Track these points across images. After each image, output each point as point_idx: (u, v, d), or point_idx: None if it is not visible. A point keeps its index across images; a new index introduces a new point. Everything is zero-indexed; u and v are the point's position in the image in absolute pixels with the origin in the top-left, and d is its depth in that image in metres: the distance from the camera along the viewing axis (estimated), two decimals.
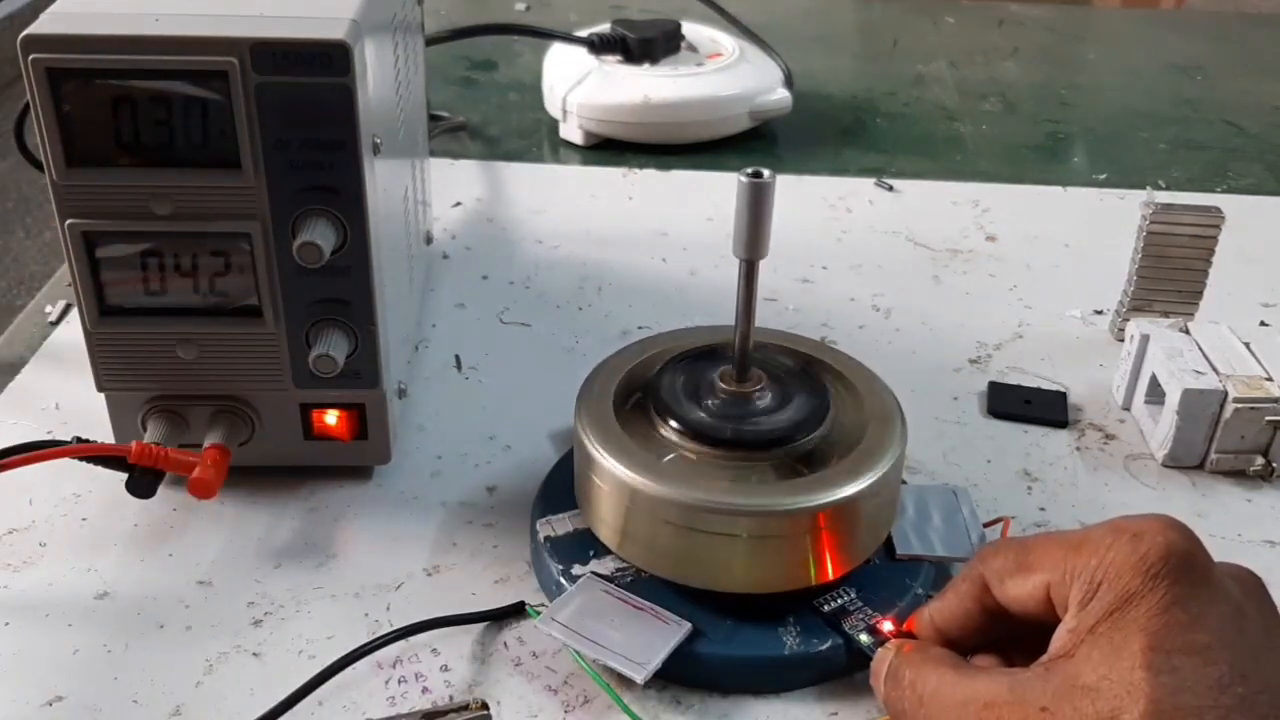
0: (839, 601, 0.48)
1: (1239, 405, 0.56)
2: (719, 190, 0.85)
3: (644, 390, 0.51)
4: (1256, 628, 0.37)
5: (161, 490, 0.50)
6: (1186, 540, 0.38)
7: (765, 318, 0.49)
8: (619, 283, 0.74)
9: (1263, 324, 0.71)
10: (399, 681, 0.46)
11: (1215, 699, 0.34)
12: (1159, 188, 0.87)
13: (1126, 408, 0.63)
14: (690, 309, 0.71)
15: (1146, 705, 0.34)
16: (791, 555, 0.46)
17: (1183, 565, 0.37)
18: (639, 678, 0.44)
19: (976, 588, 0.42)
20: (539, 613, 0.47)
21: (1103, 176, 0.92)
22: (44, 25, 0.45)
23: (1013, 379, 0.65)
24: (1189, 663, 0.35)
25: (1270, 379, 0.57)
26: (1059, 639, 0.38)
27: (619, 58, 0.93)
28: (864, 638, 0.46)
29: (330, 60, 0.46)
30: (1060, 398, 0.64)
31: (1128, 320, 0.65)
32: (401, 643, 0.47)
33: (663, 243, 0.79)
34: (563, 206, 0.83)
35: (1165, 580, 0.36)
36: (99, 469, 0.50)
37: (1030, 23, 1.28)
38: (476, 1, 1.29)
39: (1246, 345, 0.60)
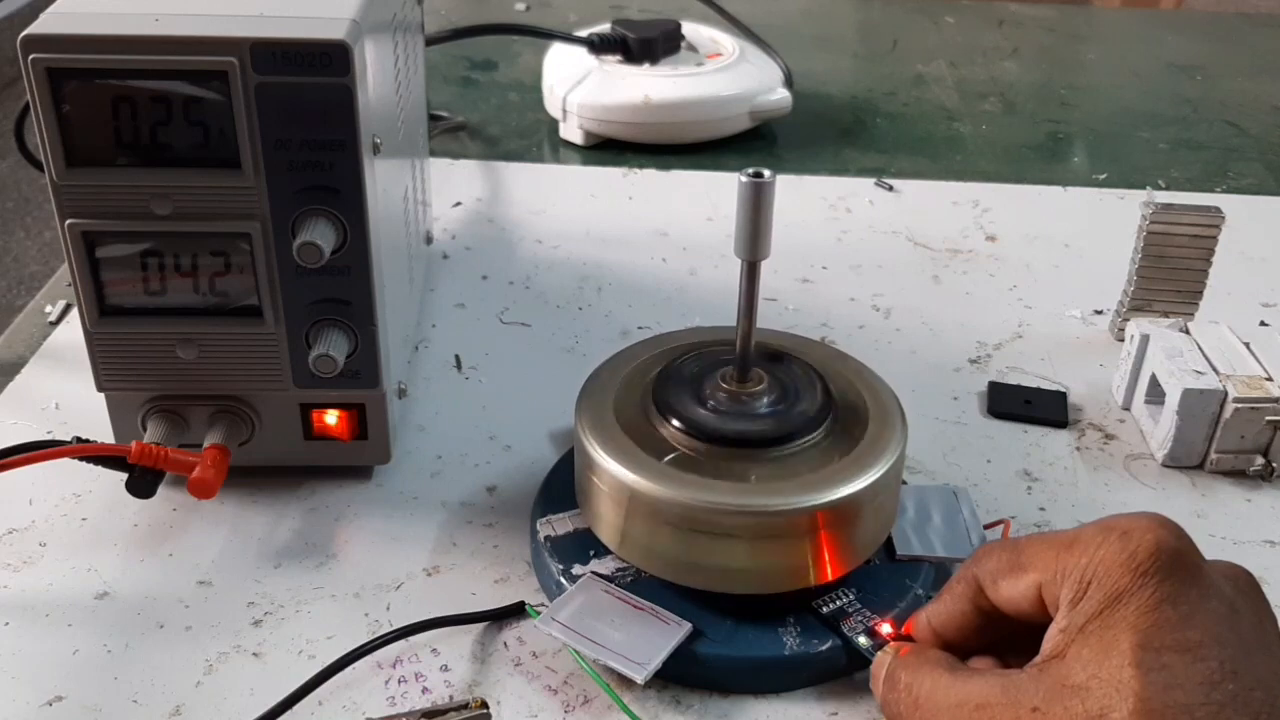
0: (838, 603, 0.48)
1: (1239, 405, 0.56)
2: (719, 190, 0.85)
3: (644, 390, 0.51)
4: (1249, 625, 0.37)
5: (161, 490, 0.50)
6: (1176, 538, 0.38)
7: (765, 318, 0.49)
8: (619, 283, 0.74)
9: (1263, 324, 0.71)
10: (399, 681, 0.46)
11: (1206, 696, 0.34)
12: (1159, 188, 0.87)
13: (1126, 408, 0.63)
14: (690, 309, 0.71)
15: (1135, 703, 0.34)
16: (791, 556, 0.46)
17: (1172, 563, 0.37)
18: (639, 678, 0.44)
19: (971, 589, 0.42)
20: (539, 613, 0.47)
21: (1103, 176, 0.92)
22: (44, 25, 0.45)
23: (1013, 379, 0.65)
24: (1179, 660, 0.35)
25: (1270, 379, 0.57)
26: (1051, 639, 0.38)
27: (619, 58, 0.93)
28: (862, 640, 0.46)
29: (330, 60, 0.46)
30: (1060, 398, 0.64)
31: (1128, 320, 0.65)
32: (401, 643, 0.47)
33: (663, 243, 0.79)
34: (563, 206, 0.83)
35: (1155, 578, 0.36)
36: (99, 469, 0.50)
37: (1030, 23, 1.28)
38: (476, 1, 1.29)
39: (1246, 345, 0.60)
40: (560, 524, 0.51)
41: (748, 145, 0.94)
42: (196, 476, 0.49)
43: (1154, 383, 0.60)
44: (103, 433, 0.53)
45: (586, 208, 0.83)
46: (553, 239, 0.79)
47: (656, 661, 0.45)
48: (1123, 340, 0.65)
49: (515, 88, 1.04)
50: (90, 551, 0.52)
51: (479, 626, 0.49)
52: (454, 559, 0.52)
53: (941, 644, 0.43)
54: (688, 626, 0.46)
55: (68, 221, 0.48)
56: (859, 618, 0.47)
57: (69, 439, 0.49)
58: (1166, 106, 1.06)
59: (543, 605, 0.49)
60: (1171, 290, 0.66)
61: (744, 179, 0.45)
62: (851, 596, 0.48)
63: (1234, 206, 0.68)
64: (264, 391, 0.53)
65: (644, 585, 0.48)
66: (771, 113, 0.94)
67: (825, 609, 0.47)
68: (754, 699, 0.46)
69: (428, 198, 0.74)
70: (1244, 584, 0.39)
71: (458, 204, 0.83)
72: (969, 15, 1.29)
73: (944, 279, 0.76)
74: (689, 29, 0.97)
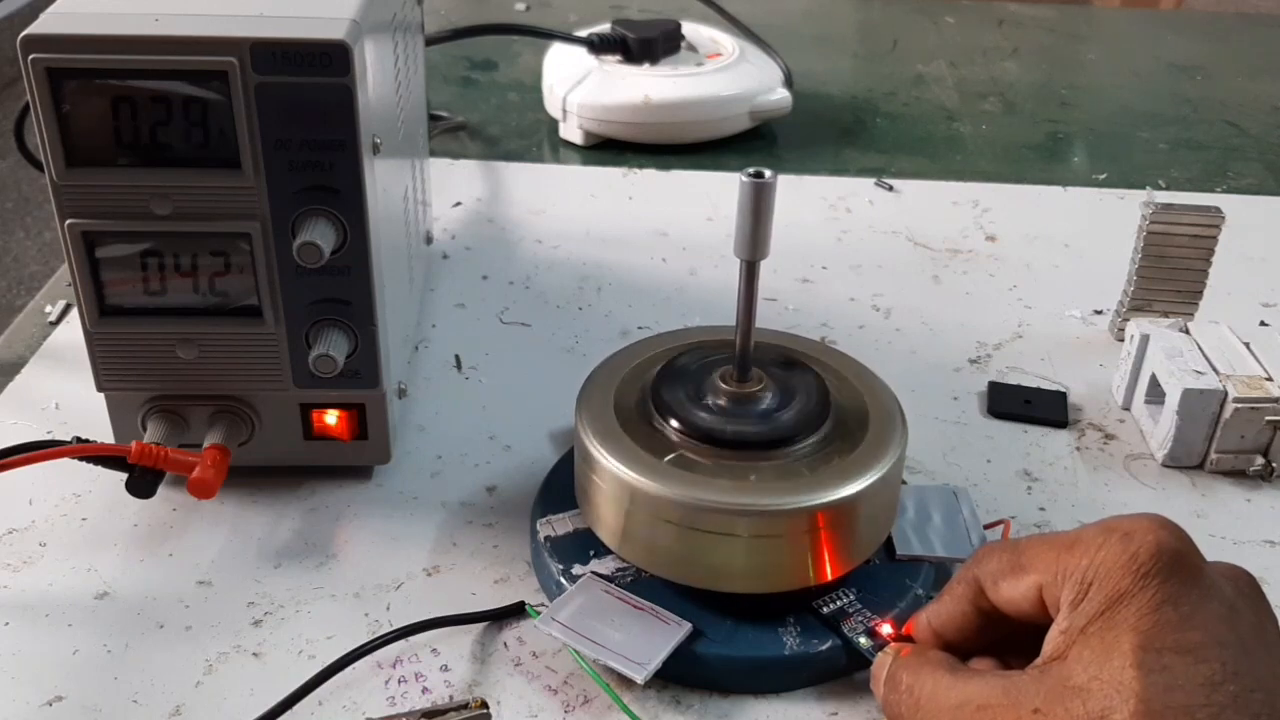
0: (839, 603, 0.48)
1: (1239, 405, 0.56)
2: (719, 190, 0.85)
3: (644, 390, 0.51)
4: (1249, 626, 0.37)
5: (161, 490, 0.50)
6: (1177, 539, 0.38)
7: (765, 318, 0.50)
8: (619, 283, 0.74)
9: (1263, 324, 0.71)
10: (399, 681, 0.46)
11: (1207, 697, 0.34)
12: (1159, 188, 0.87)
13: (1126, 408, 0.63)
14: (690, 309, 0.71)
15: (1136, 704, 0.34)
16: (791, 556, 0.46)
17: (1173, 564, 0.37)
18: (639, 678, 0.44)
19: (971, 590, 0.42)
20: (539, 613, 0.47)
21: (1103, 176, 0.92)
22: (44, 25, 0.45)
23: (1013, 379, 0.65)
24: (1180, 661, 0.35)
25: (1270, 379, 0.57)
26: (1052, 640, 0.38)
27: (619, 58, 0.93)
28: (863, 641, 0.46)
29: (330, 60, 0.46)
30: (1060, 398, 0.64)
31: (1128, 320, 0.65)
32: (401, 643, 0.47)
33: (663, 243, 0.79)
34: (563, 206, 0.83)
35: (1156, 579, 0.36)
36: (99, 469, 0.50)
37: (1030, 23, 1.28)
38: (476, 1, 1.29)
39: (1246, 345, 0.60)
40: (560, 524, 0.51)
41: (748, 145, 0.94)
42: (196, 476, 0.49)
43: (1154, 383, 0.60)
44: (103, 433, 0.53)
45: (586, 208, 0.83)
46: (553, 239, 0.79)
47: (656, 661, 0.45)
48: (1123, 340, 0.65)
49: (515, 88, 1.04)
50: (90, 551, 0.52)
51: (479, 626, 0.49)
52: (454, 559, 0.52)
53: (942, 645, 0.43)
54: (688, 626, 0.46)
55: (68, 221, 0.48)
56: (859, 618, 0.47)
57: (69, 439, 0.49)
58: (1166, 106, 1.06)
59: (543, 605, 0.49)
60: (1171, 290, 0.66)
61: (744, 179, 0.45)
62: (851, 596, 0.48)
63: (1234, 206, 0.68)
64: (264, 391, 0.53)
65: (644, 585, 0.48)
66: (771, 113, 0.94)
67: (825, 609, 0.47)
68: (754, 699, 0.46)
69: (428, 198, 0.74)
70: (1244, 585, 0.39)
71: (458, 204, 0.83)
72: (969, 15, 1.29)
73: (944, 279, 0.76)
74: (689, 29, 0.97)
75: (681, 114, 0.91)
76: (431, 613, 0.48)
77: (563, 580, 0.49)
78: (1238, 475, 0.58)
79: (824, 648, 0.46)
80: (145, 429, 0.52)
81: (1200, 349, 0.60)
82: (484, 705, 0.43)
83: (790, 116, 0.95)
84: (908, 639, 0.45)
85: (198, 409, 0.53)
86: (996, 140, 0.98)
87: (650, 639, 0.46)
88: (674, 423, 0.48)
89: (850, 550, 0.47)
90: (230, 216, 0.48)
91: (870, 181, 0.88)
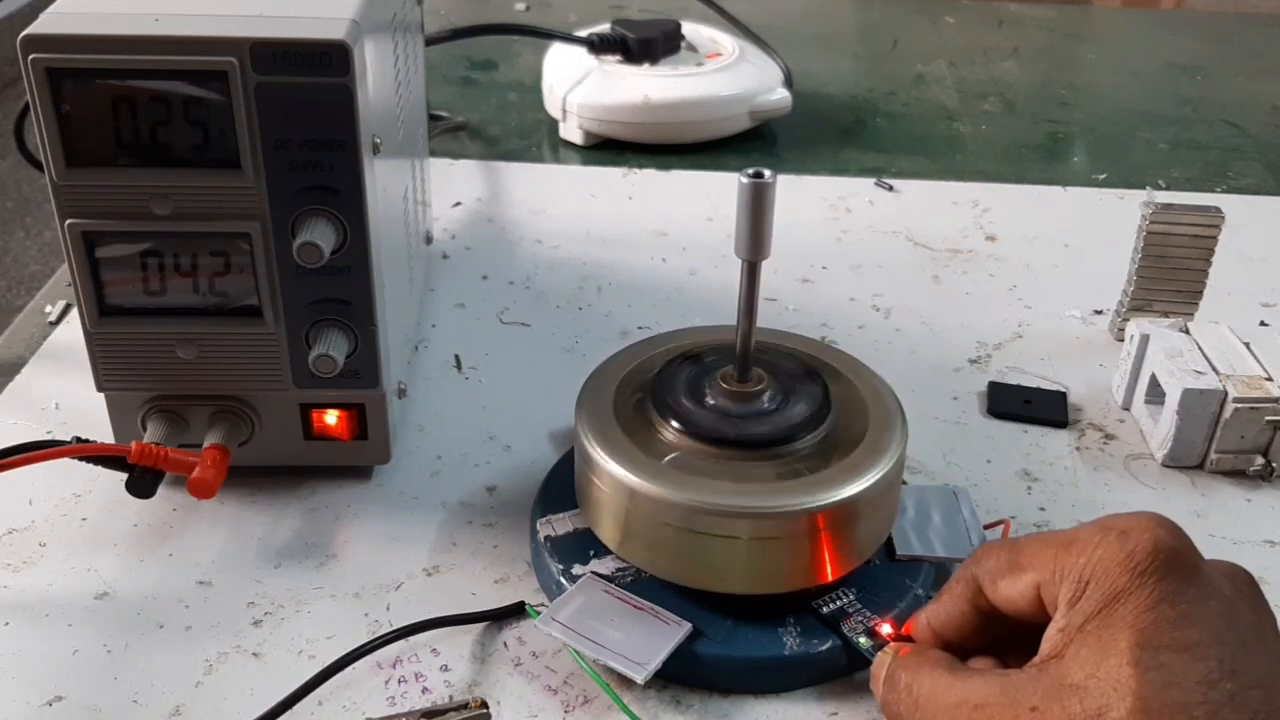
0: (839, 603, 0.48)
1: (1239, 405, 0.56)
2: (719, 190, 0.85)
3: (644, 390, 0.51)
4: (1247, 624, 0.37)
5: (161, 490, 0.50)
6: (1174, 537, 0.38)
7: (765, 318, 0.49)
8: (619, 283, 0.74)
9: (1263, 324, 0.71)
10: (399, 681, 0.46)
11: (1204, 695, 0.34)
12: (1159, 188, 0.87)
13: (1126, 408, 0.63)
14: (690, 309, 0.71)
15: (1134, 702, 0.34)
16: (791, 556, 0.46)
17: (1170, 562, 0.37)
18: (639, 678, 0.44)
19: (970, 589, 0.42)
20: (539, 613, 0.47)
21: (1103, 176, 0.92)
22: (44, 25, 0.45)
23: (1013, 379, 0.65)
24: (1177, 659, 0.35)
25: (1270, 379, 0.57)
26: (1050, 639, 0.38)
27: (619, 58, 0.93)
28: (863, 641, 0.46)
29: (330, 60, 0.46)
30: (1060, 398, 0.64)
31: (1128, 320, 0.65)
32: (401, 643, 0.47)
33: (663, 243, 0.79)
34: (563, 206, 0.83)
35: (1153, 577, 0.36)
36: (99, 469, 0.50)
37: (1030, 23, 1.28)
38: (476, 1, 1.29)
39: (1246, 345, 0.60)
40: (560, 524, 0.51)
41: (748, 145, 0.94)
42: (196, 476, 0.49)
43: (1154, 383, 0.60)
44: (103, 433, 0.53)
45: (586, 208, 0.83)
46: (553, 239, 0.79)
47: (656, 661, 0.45)
48: (1123, 340, 0.65)
49: (515, 88, 1.04)
50: (90, 551, 0.52)
51: (479, 626, 0.49)
52: (454, 559, 0.52)
53: (941, 644, 0.43)
54: (688, 626, 0.46)
55: (68, 221, 0.48)
56: (859, 618, 0.47)
57: (69, 439, 0.49)
58: (1166, 106, 1.06)
59: (543, 605, 0.49)
60: (1171, 290, 0.66)
61: (744, 179, 0.45)
62: (851, 596, 0.48)
63: (1234, 206, 0.68)
64: (264, 391, 0.53)
65: (644, 585, 0.48)
66: (771, 113, 0.94)
67: (825, 609, 0.47)
68: (754, 699, 0.46)
69: (428, 198, 0.74)
70: (1242, 583, 0.39)
71: (458, 204, 0.83)
72: (969, 15, 1.29)
73: (944, 279, 0.76)
74: (689, 29, 0.97)
75: (681, 114, 0.91)
76: (431, 613, 0.48)
77: (563, 580, 0.49)
78: (1238, 475, 0.58)
79: (824, 648, 0.46)
80: (145, 429, 0.52)
81: (1200, 349, 0.60)
82: (484, 705, 0.43)
83: (790, 116, 0.95)
84: (907, 639, 0.45)
85: (198, 409, 0.53)
86: (996, 140, 0.98)
87: (650, 639, 0.46)
88: (674, 423, 0.48)
89: (850, 551, 0.47)
90: (230, 216, 0.48)
91: (870, 181, 0.88)
